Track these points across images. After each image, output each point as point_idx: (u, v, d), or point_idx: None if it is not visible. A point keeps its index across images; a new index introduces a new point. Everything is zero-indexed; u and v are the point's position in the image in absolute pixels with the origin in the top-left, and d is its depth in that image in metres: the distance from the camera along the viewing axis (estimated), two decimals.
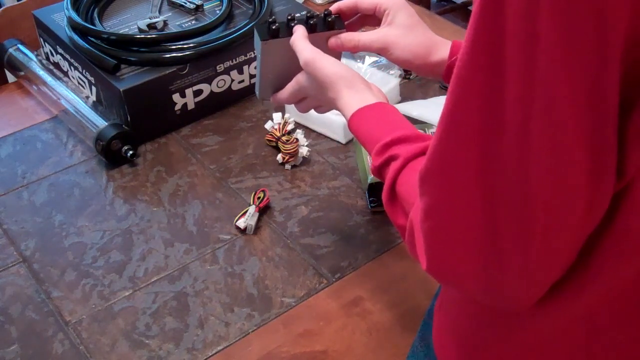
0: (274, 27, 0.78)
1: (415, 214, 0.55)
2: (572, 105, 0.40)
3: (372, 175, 0.80)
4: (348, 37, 0.79)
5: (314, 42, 0.78)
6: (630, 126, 0.42)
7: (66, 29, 1.16)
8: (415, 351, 0.73)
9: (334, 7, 0.81)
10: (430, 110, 1.10)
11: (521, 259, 0.46)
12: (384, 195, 0.65)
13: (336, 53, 0.81)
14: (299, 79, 0.79)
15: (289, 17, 0.79)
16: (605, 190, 0.44)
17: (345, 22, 0.82)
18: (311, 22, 0.79)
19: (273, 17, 0.80)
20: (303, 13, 0.80)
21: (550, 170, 0.42)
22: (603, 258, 0.48)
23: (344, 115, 0.74)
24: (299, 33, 0.78)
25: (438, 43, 0.77)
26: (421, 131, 0.97)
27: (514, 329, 0.56)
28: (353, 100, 0.72)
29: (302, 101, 0.81)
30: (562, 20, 0.38)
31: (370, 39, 0.78)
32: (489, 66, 0.42)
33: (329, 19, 0.79)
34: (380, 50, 0.78)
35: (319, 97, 0.78)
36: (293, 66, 0.78)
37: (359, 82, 0.74)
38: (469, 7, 2.94)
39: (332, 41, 0.80)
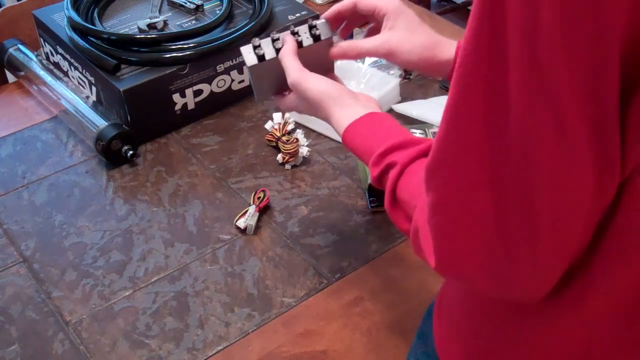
0: (258, 51, 0.78)
1: (420, 213, 0.55)
2: (573, 92, 0.40)
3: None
4: (351, 46, 0.79)
5: (303, 56, 0.78)
6: (630, 118, 0.42)
7: (66, 29, 1.16)
8: (415, 351, 0.73)
9: (332, 11, 0.80)
10: (430, 110, 1.10)
11: (530, 249, 0.46)
12: (386, 203, 0.65)
13: (329, 61, 0.81)
14: (290, 101, 0.80)
15: (274, 38, 0.79)
16: (610, 179, 0.44)
17: (341, 26, 0.82)
18: (297, 37, 0.78)
19: (256, 39, 0.79)
20: (286, 32, 0.79)
21: (555, 158, 0.42)
22: (605, 258, 0.48)
23: (337, 133, 0.74)
24: (288, 48, 0.77)
25: (442, 42, 0.77)
26: (420, 130, 0.97)
27: (518, 332, 0.56)
28: (342, 116, 0.73)
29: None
30: (562, 8, 0.39)
31: (374, 46, 0.78)
32: (490, 56, 0.42)
33: (314, 32, 0.79)
34: (385, 56, 0.78)
35: (313, 113, 0.78)
36: (285, 77, 0.78)
37: (346, 96, 0.74)
38: (469, 7, 2.95)
39: (335, 50, 0.79)
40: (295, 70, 0.76)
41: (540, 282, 0.48)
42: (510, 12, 0.40)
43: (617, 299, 0.49)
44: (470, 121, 0.45)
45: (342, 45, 0.79)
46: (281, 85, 0.80)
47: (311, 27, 0.79)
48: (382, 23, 0.79)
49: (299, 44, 0.78)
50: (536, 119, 0.42)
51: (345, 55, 0.79)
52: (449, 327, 0.65)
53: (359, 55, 0.79)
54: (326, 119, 0.75)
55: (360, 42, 0.79)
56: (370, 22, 0.82)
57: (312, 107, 0.76)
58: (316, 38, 0.79)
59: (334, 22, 0.82)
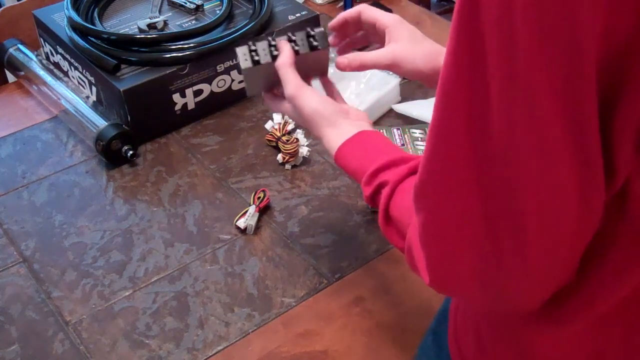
0: (254, 55, 0.78)
1: (413, 231, 0.55)
2: (551, 102, 0.41)
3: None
4: (355, 57, 0.80)
5: (297, 62, 0.78)
6: (615, 125, 0.42)
7: (66, 29, 1.16)
8: (427, 349, 0.73)
9: (338, 19, 0.81)
10: (430, 110, 1.09)
11: (520, 261, 0.46)
12: (380, 221, 0.66)
13: (322, 68, 0.82)
14: (285, 108, 0.80)
15: (271, 43, 0.79)
16: (595, 189, 0.44)
17: (348, 39, 0.83)
18: (294, 45, 0.79)
19: (252, 43, 0.79)
20: (283, 37, 0.80)
21: (537, 169, 0.43)
22: (615, 261, 0.48)
23: (329, 154, 0.76)
24: (285, 59, 0.77)
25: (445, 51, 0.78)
26: (420, 130, 0.97)
27: (531, 338, 0.56)
28: (333, 137, 0.74)
29: None
30: (536, 22, 0.39)
31: (378, 56, 0.79)
32: (470, 72, 0.43)
33: (311, 40, 0.79)
34: (390, 67, 0.79)
35: (305, 127, 0.79)
36: (278, 80, 0.79)
37: (338, 115, 0.75)
38: None
39: (339, 60, 0.80)
40: (293, 85, 0.76)
41: (531, 295, 0.48)
42: (487, 27, 0.41)
43: (630, 301, 0.49)
44: (454, 139, 0.45)
45: (347, 55, 0.81)
46: (272, 85, 0.81)
47: (309, 36, 0.79)
48: (384, 38, 0.80)
49: (295, 52, 0.79)
50: (517, 132, 0.42)
51: (349, 66, 0.80)
52: (462, 330, 0.65)
53: (362, 66, 0.80)
54: (318, 138, 0.77)
55: (364, 53, 0.80)
56: (372, 41, 0.84)
57: (305, 122, 0.78)
58: (313, 47, 0.79)
59: (340, 30, 0.83)
